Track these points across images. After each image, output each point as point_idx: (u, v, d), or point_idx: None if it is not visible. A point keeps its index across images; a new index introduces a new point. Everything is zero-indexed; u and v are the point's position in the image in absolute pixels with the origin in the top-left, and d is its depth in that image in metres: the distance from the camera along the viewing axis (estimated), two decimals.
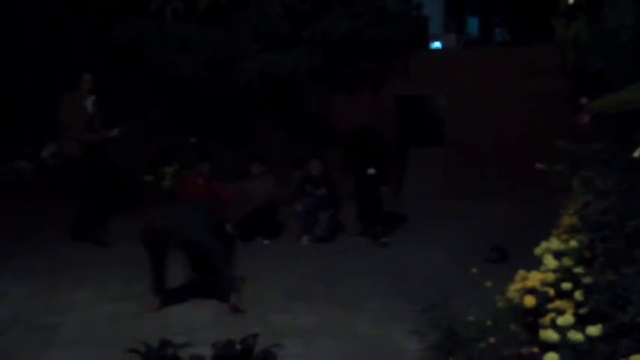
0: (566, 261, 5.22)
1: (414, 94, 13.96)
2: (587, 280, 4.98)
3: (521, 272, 5.36)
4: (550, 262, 5.32)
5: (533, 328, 4.88)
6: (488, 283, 5.35)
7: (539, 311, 4.97)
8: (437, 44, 16.00)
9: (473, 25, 18.77)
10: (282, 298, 8.48)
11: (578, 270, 5.10)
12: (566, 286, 5.03)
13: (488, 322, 5.02)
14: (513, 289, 5.28)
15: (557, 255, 5.34)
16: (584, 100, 8.02)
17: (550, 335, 4.69)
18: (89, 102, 10.83)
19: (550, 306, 4.94)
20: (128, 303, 8.33)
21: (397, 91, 13.79)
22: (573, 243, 5.31)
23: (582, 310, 4.86)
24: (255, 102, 13.13)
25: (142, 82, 13.20)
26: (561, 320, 4.73)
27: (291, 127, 13.30)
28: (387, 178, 11.84)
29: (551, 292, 5.06)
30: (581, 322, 4.76)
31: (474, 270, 5.65)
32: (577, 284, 5.02)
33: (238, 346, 5.78)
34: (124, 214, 11.74)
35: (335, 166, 12.48)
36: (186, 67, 12.50)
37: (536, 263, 5.43)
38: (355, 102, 13.53)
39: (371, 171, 11.28)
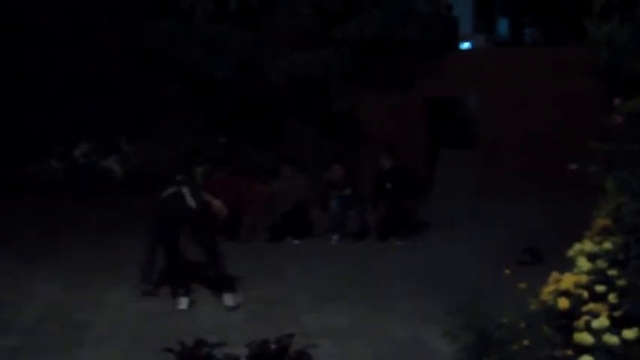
0: (600, 263, 5.17)
1: (445, 95, 13.92)
2: (621, 282, 4.92)
3: (555, 274, 5.30)
4: (583, 264, 5.26)
5: (567, 331, 4.83)
6: (522, 285, 5.30)
7: (573, 314, 4.91)
8: (467, 45, 15.94)
9: (503, 25, 18.65)
10: (313, 298, 8.49)
11: (612, 272, 5.04)
12: (600, 288, 4.98)
13: (522, 325, 4.98)
14: (547, 291, 5.23)
15: (591, 257, 5.28)
16: (617, 101, 7.93)
17: (585, 338, 4.64)
18: None
19: (584, 308, 4.89)
20: (159, 301, 8.40)
21: (428, 92, 13.74)
22: (607, 245, 5.26)
23: (617, 313, 4.81)
24: (286, 102, 13.15)
25: (173, 82, 13.25)
26: (596, 323, 4.68)
27: (322, 127, 13.30)
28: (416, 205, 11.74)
29: (585, 294, 5.01)
30: (615, 326, 4.71)
31: (507, 271, 5.60)
32: (611, 287, 4.97)
33: (273, 346, 5.78)
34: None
35: (362, 166, 12.46)
36: (216, 68, 12.54)
37: (568, 265, 5.38)
38: (386, 103, 13.51)
39: (388, 186, 11.29)
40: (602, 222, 5.63)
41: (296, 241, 11.24)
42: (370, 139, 13.36)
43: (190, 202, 8.28)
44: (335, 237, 11.22)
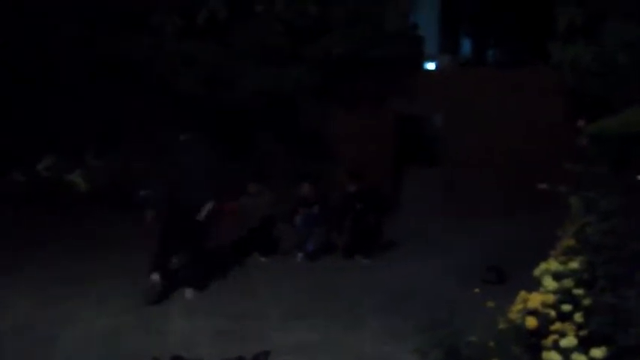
0: (566, 283, 5.26)
1: (412, 114, 14.06)
2: (586, 302, 5.02)
3: (522, 293, 5.40)
4: (550, 283, 5.35)
5: (536, 350, 4.91)
6: (490, 304, 5.39)
7: (541, 333, 5.00)
8: (431, 64, 16.13)
9: (467, 46, 18.91)
10: (280, 315, 8.50)
11: (577, 292, 5.14)
12: (567, 308, 5.07)
13: (491, 343, 5.06)
14: (515, 310, 5.32)
15: (557, 276, 5.37)
16: (581, 122, 8.08)
17: (553, 357, 4.73)
18: None
19: (552, 328, 4.97)
20: (129, 317, 8.36)
21: (395, 110, 13.87)
22: (573, 264, 5.35)
23: (583, 332, 4.90)
24: (256, 118, 13.19)
25: (141, 97, 13.23)
26: (564, 342, 4.77)
27: (291, 143, 13.35)
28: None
29: (552, 313, 5.10)
30: (582, 345, 4.80)
31: (477, 290, 5.69)
32: (577, 306, 5.06)
33: None
34: (124, 228, 11.81)
35: (330, 183, 12.52)
36: (186, 83, 12.54)
37: (533, 284, 5.47)
38: (354, 120, 13.61)
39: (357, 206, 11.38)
40: (567, 242, 5.73)
41: (262, 258, 11.24)
42: (338, 156, 13.44)
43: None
44: (300, 254, 11.26)
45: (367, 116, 13.68)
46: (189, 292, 9.04)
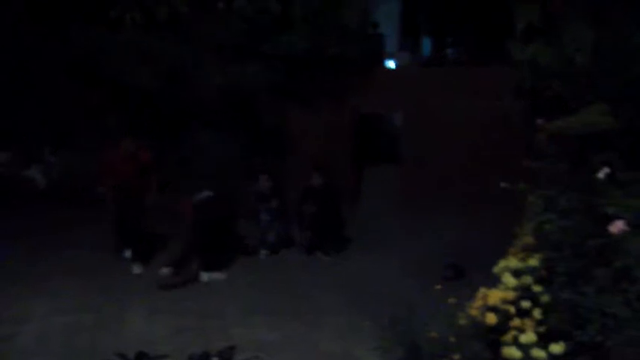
0: (525, 279, 5.32)
1: (371, 112, 14.10)
2: (545, 298, 5.08)
3: (482, 290, 5.44)
4: (509, 280, 5.41)
5: (496, 346, 4.96)
6: (451, 300, 5.43)
7: (500, 329, 5.05)
8: (391, 62, 16.18)
9: (427, 45, 18.99)
10: (241, 312, 8.47)
11: (536, 288, 5.19)
12: (526, 304, 5.13)
13: (452, 339, 5.10)
14: (474, 307, 5.37)
15: (516, 273, 5.43)
16: (540, 121, 8.16)
17: (513, 353, 4.79)
18: None
19: (511, 324, 5.03)
20: (84, 315, 8.27)
21: (355, 108, 13.90)
22: (532, 261, 5.41)
23: (541, 329, 4.95)
24: (215, 114, 13.12)
25: (100, 92, 13.10)
26: (524, 338, 4.83)
27: (250, 140, 13.31)
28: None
29: (512, 310, 5.15)
30: (541, 340, 4.86)
31: (438, 286, 5.73)
32: (536, 302, 5.11)
33: (215, 358, 5.78)
34: (76, 225, 11.71)
35: (289, 180, 12.52)
36: (144, 78, 12.43)
37: (490, 280, 5.52)
38: (314, 118, 13.62)
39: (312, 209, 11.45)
40: (525, 239, 5.79)
41: (222, 255, 11.18)
42: (298, 153, 13.43)
43: None
44: (264, 251, 11.23)
45: (327, 113, 13.68)
46: (137, 267, 9.76)
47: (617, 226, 4.72)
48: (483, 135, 13.57)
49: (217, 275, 9.89)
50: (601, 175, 5.20)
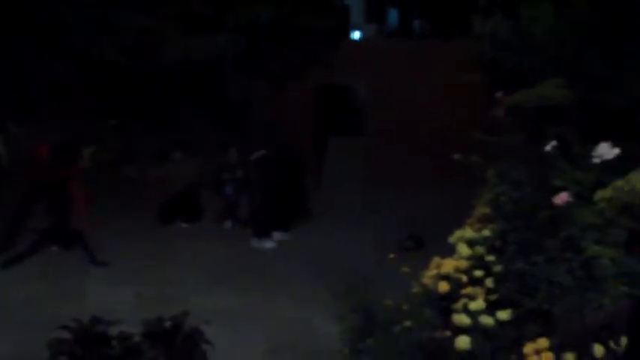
0: (478, 250, 5.43)
1: (335, 84, 14.14)
2: (497, 268, 5.20)
3: (436, 259, 5.55)
4: (463, 250, 5.51)
5: (447, 313, 5.08)
6: (405, 269, 5.54)
7: (452, 297, 5.17)
8: (357, 34, 16.20)
9: (393, 16, 19.02)
10: (203, 281, 8.58)
11: (489, 258, 5.31)
12: (478, 273, 5.24)
13: (405, 307, 5.21)
14: (428, 275, 5.47)
15: (471, 243, 5.54)
16: (499, 94, 8.24)
17: (462, 319, 4.90)
18: None
19: (462, 292, 5.15)
20: (42, 285, 8.34)
21: (319, 80, 13.93)
22: (486, 232, 5.52)
23: (493, 297, 5.07)
24: (179, 87, 13.09)
25: (62, 62, 12.98)
26: (473, 305, 4.94)
27: (214, 113, 13.31)
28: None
29: (464, 278, 5.26)
30: (491, 308, 4.98)
31: (392, 256, 5.84)
32: (488, 272, 5.23)
33: (168, 323, 5.84)
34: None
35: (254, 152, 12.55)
36: (108, 50, 12.34)
37: (450, 251, 5.63)
38: (277, 90, 13.63)
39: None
40: (482, 210, 5.90)
41: (185, 225, 11.24)
42: (260, 125, 13.45)
43: None
44: (228, 222, 11.29)
45: (290, 85, 13.70)
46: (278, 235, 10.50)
47: (561, 198, 4.83)
48: (446, 108, 13.70)
49: (280, 236, 10.41)
50: (548, 147, 5.30)
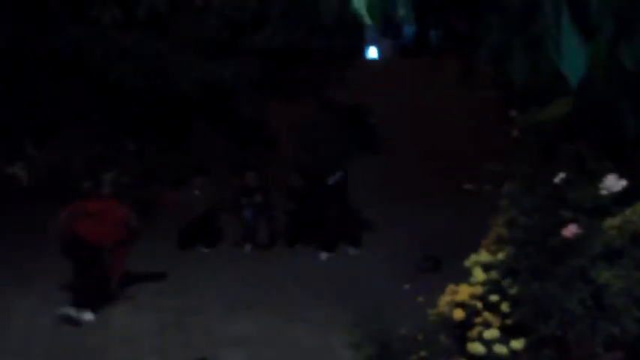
0: (494, 274, 5.47)
1: (351, 104, 14.21)
2: (513, 291, 5.22)
3: (451, 286, 5.59)
4: (479, 275, 5.55)
5: (463, 341, 5.13)
6: (420, 299, 5.58)
7: (467, 324, 5.21)
8: (373, 49, 16.27)
9: (409, 31, 19.02)
10: (223, 307, 8.64)
11: (505, 282, 5.35)
12: (494, 298, 5.28)
13: (420, 336, 5.26)
14: (444, 302, 5.51)
15: (486, 267, 5.57)
16: (513, 113, 8.24)
17: (477, 348, 4.95)
18: None
19: (477, 319, 5.19)
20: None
21: (334, 99, 13.98)
22: (501, 255, 5.56)
23: (508, 321, 5.11)
24: (195, 110, 13.22)
25: (82, 88, 13.15)
26: (488, 334, 4.99)
27: (230, 134, 13.43)
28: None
29: (479, 305, 5.30)
30: (506, 333, 5.02)
31: (407, 286, 5.89)
32: (504, 296, 5.27)
33: None
34: None
35: (272, 173, 12.65)
36: (126, 75, 12.50)
37: (467, 272, 5.65)
38: (293, 110, 13.72)
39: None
40: (498, 230, 5.92)
41: (206, 250, 11.32)
42: (278, 146, 13.55)
43: None
44: (248, 246, 11.34)
45: (306, 106, 13.78)
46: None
47: (570, 230, 4.87)
48: (464, 125, 13.72)
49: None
50: (557, 180, 5.32)
